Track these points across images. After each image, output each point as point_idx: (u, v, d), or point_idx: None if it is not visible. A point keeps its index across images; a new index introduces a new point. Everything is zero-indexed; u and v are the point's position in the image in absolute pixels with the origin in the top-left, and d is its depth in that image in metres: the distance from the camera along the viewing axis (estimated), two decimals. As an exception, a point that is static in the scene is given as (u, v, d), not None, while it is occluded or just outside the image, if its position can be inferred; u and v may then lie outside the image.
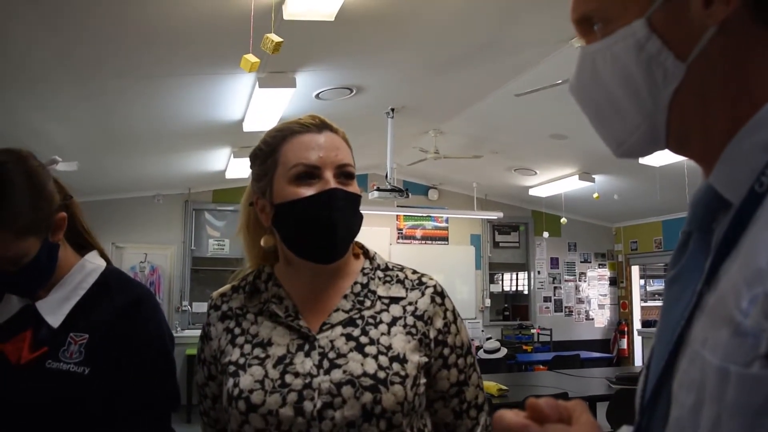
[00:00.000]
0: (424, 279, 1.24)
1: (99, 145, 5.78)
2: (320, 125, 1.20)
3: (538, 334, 9.42)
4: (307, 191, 1.14)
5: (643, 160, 6.18)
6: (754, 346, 0.47)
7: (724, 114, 0.59)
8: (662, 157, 5.94)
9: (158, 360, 1.31)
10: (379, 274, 1.24)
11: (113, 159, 6.32)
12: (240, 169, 6.74)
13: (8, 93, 4.28)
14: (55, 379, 1.20)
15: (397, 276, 1.24)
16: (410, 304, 1.19)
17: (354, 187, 1.19)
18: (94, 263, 1.36)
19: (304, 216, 1.14)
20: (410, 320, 1.17)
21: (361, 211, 1.22)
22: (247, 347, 1.17)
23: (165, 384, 1.31)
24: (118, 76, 4.23)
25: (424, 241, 9.30)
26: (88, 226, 1.40)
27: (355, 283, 1.21)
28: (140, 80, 4.38)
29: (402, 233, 9.20)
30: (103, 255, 1.41)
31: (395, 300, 1.20)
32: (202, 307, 8.04)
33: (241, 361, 1.15)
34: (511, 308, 9.95)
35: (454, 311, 1.23)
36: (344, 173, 1.17)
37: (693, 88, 0.60)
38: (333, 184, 1.14)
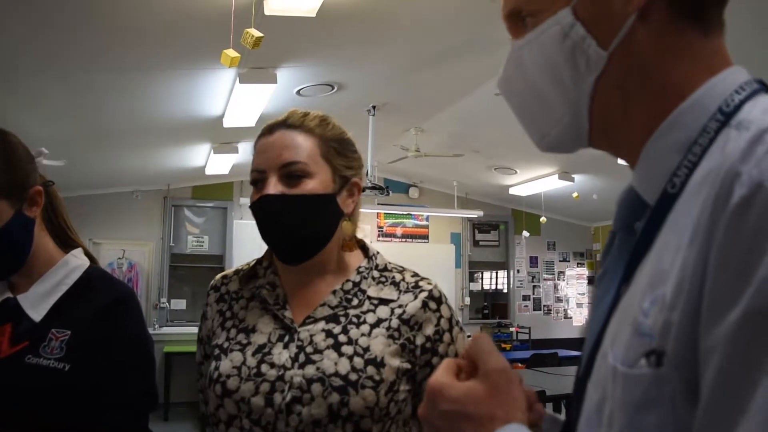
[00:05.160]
0: (421, 283, 1.19)
1: (76, 139, 5.70)
2: (280, 123, 1.17)
3: (517, 332, 9.47)
4: (255, 197, 1.15)
5: (622, 161, 6.24)
6: (648, 345, 0.48)
7: (645, 109, 0.58)
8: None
9: (137, 359, 1.30)
10: (374, 273, 1.21)
11: (91, 154, 6.22)
12: (220, 165, 6.65)
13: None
14: (35, 374, 1.18)
15: (393, 278, 1.20)
16: (400, 306, 1.15)
17: (303, 187, 1.12)
18: (78, 261, 1.35)
19: (256, 222, 1.16)
20: (395, 323, 1.13)
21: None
22: (233, 332, 1.18)
23: (143, 383, 1.30)
24: (96, 70, 4.16)
25: (404, 239, 9.30)
26: (70, 222, 1.39)
27: (347, 280, 1.19)
28: (118, 75, 4.32)
29: (382, 231, 9.19)
30: (87, 254, 1.40)
31: (385, 302, 1.16)
32: (180, 304, 7.97)
33: (225, 345, 1.16)
34: (490, 306, 9.99)
35: (450, 319, 1.17)
36: (288, 174, 1.12)
37: (614, 79, 0.59)
38: (270, 189, 1.11)
